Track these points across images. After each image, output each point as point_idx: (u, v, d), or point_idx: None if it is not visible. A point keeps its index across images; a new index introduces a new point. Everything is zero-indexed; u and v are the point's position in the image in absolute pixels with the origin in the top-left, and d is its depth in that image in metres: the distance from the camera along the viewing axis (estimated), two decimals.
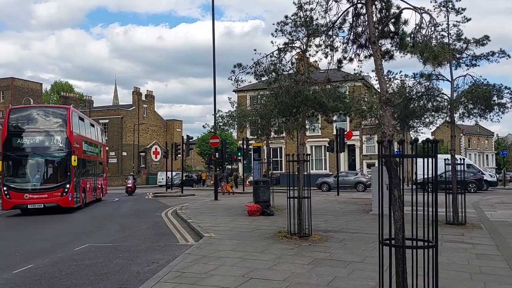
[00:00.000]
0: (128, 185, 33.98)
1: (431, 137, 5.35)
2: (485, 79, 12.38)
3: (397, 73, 13.41)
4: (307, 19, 10.33)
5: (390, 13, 6.69)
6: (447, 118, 13.37)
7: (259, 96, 19.75)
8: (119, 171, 60.21)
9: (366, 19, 6.40)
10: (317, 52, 10.41)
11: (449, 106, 12.55)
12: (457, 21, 11.57)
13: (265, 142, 20.65)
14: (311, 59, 11.91)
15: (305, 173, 10.54)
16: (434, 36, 6.10)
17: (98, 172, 26.04)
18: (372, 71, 6.91)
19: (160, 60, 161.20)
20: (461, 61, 12.30)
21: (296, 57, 11.67)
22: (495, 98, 12.16)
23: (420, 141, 4.70)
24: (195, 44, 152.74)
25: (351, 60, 7.96)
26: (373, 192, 16.61)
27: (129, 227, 14.10)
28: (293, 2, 10.40)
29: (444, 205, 12.36)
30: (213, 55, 23.79)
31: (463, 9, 11.39)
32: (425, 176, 4.60)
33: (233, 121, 21.24)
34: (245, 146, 32.67)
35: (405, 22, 6.67)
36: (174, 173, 42.68)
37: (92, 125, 25.89)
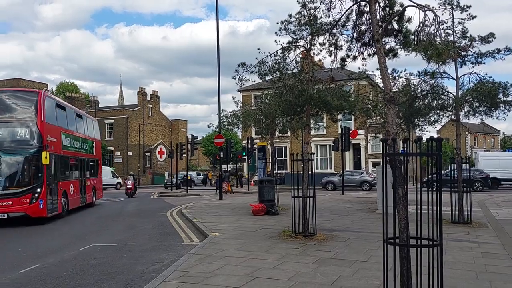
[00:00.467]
0: (127, 186, 30.64)
1: (436, 136, 5.32)
2: (491, 77, 12.31)
3: (402, 72, 13.36)
4: (311, 18, 10.31)
5: (393, 11, 6.65)
6: (453, 117, 13.32)
7: (263, 95, 19.74)
8: (125, 171, 60.32)
9: (370, 17, 6.37)
10: (321, 50, 10.39)
11: (454, 104, 12.49)
12: (462, 19, 11.52)
13: (269, 141, 20.65)
14: (315, 58, 11.89)
15: (310, 172, 10.53)
16: (438, 34, 6.06)
17: (88, 172, 21.99)
18: (377, 69, 6.87)
19: (165, 60, 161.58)
20: (466, 59, 12.25)
21: (300, 56, 11.66)
22: (500, 96, 12.08)
23: (424, 139, 4.68)
24: (199, 44, 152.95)
25: (355, 58, 7.93)
26: (378, 191, 16.56)
27: (134, 226, 14.15)
28: (297, 1, 10.37)
29: (450, 204, 12.31)
30: (218, 55, 23.81)
31: (468, 7, 11.33)
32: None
33: (238, 120, 21.22)
34: (249, 146, 32.67)
35: (409, 20, 6.62)
36: (180, 174, 42.81)
37: (80, 116, 21.96)
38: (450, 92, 12.69)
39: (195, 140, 37.10)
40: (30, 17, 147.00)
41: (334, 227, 12.06)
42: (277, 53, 11.08)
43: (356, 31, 7.41)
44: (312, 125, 13.90)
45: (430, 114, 13.59)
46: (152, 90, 69.36)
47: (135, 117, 62.67)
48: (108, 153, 58.23)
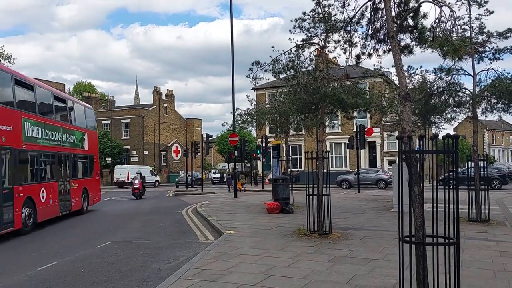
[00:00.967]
0: (134, 186, 26.78)
1: (452, 133, 5.26)
2: (509, 73, 12.16)
3: (417, 69, 13.25)
4: (325, 15, 10.27)
5: (408, 7, 6.59)
6: (470, 114, 13.15)
7: (277, 94, 19.73)
8: None
9: (384, 13, 6.32)
10: (335, 48, 10.39)
11: (471, 101, 12.32)
12: (479, 14, 11.33)
13: (284, 139, 20.63)
14: (330, 55, 11.85)
15: (325, 170, 10.49)
16: (454, 30, 5.99)
17: (76, 172, 17.67)
18: (392, 66, 6.82)
19: (180, 60, 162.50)
20: (483, 55, 12.07)
21: (315, 53, 11.62)
22: None
23: (440, 137, 4.63)
24: (214, 43, 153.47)
25: (369, 55, 7.89)
26: (394, 189, 16.44)
27: (151, 225, 14.27)
28: None
29: (467, 202, 12.16)
30: (232, 53, 23.85)
31: (486, 2, 11.12)
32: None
33: (252, 119, 21.29)
34: (264, 144, 32.69)
35: (424, 16, 6.57)
36: (196, 172, 43.32)
37: (61, 100, 17.17)
38: (467, 89, 12.53)
39: (209, 138, 37.28)
40: (47, 18, 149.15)
41: (350, 225, 12.00)
42: (291, 51, 11.07)
43: (370, 28, 7.36)
44: (327, 123, 13.86)
45: (447, 111, 13.44)
46: (167, 90, 69.80)
47: (151, 116, 63.12)
48: (124, 152, 58.94)
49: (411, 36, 6.94)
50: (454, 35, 5.98)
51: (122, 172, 46.06)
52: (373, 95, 14.60)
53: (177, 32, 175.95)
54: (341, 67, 11.92)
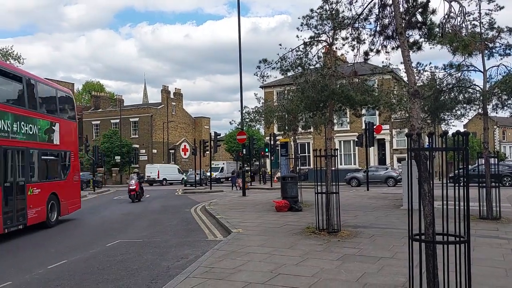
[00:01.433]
0: (130, 187, 24.02)
1: (462, 130, 5.21)
2: None
3: (426, 65, 13.12)
4: (333, 12, 10.22)
5: (417, 2, 6.52)
6: (480, 110, 13.01)
7: (285, 92, 19.69)
8: None
9: (393, 9, 6.26)
10: (343, 45, 10.31)
11: (481, 98, 12.19)
12: (489, 10, 11.19)
13: (292, 137, 20.58)
14: (338, 53, 11.78)
15: (333, 168, 10.45)
16: (464, 26, 5.92)
17: (40, 173, 13.79)
18: (401, 63, 6.76)
19: (188, 58, 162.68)
20: (493, 50, 11.95)
21: (323, 50, 11.57)
22: None
23: (450, 133, 4.58)
24: (221, 42, 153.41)
25: (378, 52, 7.83)
26: (403, 187, 16.31)
27: (160, 223, 14.32)
28: None
29: (477, 200, 12.04)
30: (239, 52, 23.84)
31: None
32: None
33: (260, 117, 21.26)
34: (272, 142, 32.64)
35: (433, 12, 6.49)
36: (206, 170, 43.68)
37: (12, 77, 12.64)
38: (477, 85, 12.39)
39: (218, 137, 37.28)
40: (55, 18, 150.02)
41: (359, 223, 11.94)
42: (298, 48, 11.04)
43: (379, 25, 7.30)
44: (335, 121, 13.81)
45: (456, 108, 13.31)
46: (176, 88, 70.03)
47: (159, 115, 63.35)
48: (133, 151, 59.31)
49: (420, 32, 6.88)
50: (464, 31, 5.91)
51: (152, 170, 49.09)
52: (382, 92, 14.52)
53: (185, 31, 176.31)
54: (349, 64, 11.86)
